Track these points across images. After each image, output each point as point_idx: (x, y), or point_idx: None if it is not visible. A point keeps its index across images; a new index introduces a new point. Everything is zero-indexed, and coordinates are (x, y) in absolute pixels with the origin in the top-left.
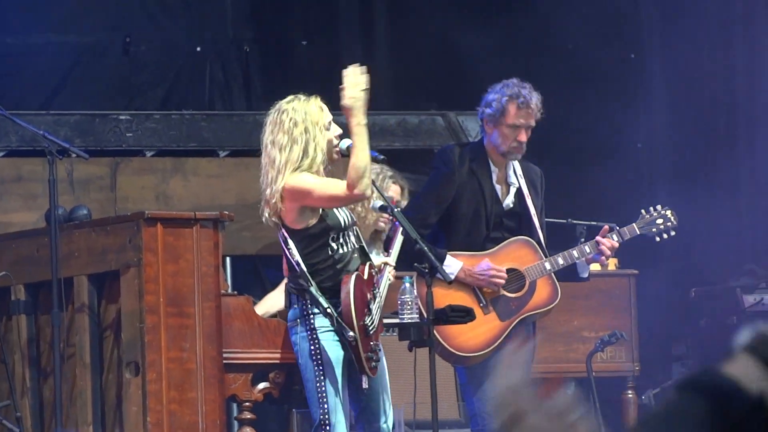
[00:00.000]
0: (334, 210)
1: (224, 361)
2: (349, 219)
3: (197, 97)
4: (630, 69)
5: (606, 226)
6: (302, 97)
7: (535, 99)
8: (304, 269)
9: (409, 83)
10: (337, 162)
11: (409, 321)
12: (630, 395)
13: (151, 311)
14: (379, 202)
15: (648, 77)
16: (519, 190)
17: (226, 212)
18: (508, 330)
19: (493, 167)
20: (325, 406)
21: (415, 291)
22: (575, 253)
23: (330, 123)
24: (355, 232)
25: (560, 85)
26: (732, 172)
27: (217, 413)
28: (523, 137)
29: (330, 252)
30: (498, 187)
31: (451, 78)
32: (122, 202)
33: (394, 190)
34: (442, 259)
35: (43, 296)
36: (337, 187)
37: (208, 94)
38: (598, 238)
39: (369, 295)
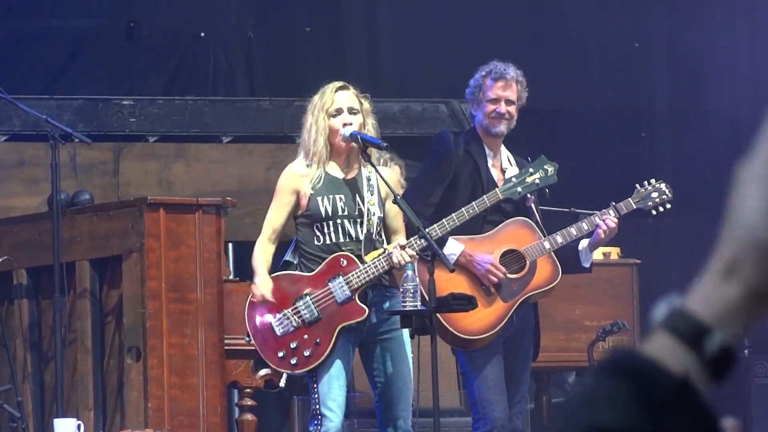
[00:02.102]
0: (317, 199)
1: (225, 348)
2: (346, 210)
3: (200, 83)
4: (634, 59)
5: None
6: (334, 83)
7: (511, 71)
8: (289, 258)
9: (412, 70)
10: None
11: (411, 309)
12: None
13: (153, 297)
14: None
15: (652, 66)
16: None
17: (229, 198)
18: (512, 311)
19: (488, 151)
20: (315, 395)
21: (417, 278)
22: (573, 230)
23: (337, 111)
24: (356, 222)
25: (564, 73)
26: (735, 161)
27: (218, 399)
28: (502, 108)
29: (316, 241)
30: (494, 171)
31: (455, 65)
32: (125, 187)
33: (396, 171)
34: (443, 242)
35: (45, 281)
36: (264, 224)
37: (212, 80)
38: (596, 215)
39: (310, 289)
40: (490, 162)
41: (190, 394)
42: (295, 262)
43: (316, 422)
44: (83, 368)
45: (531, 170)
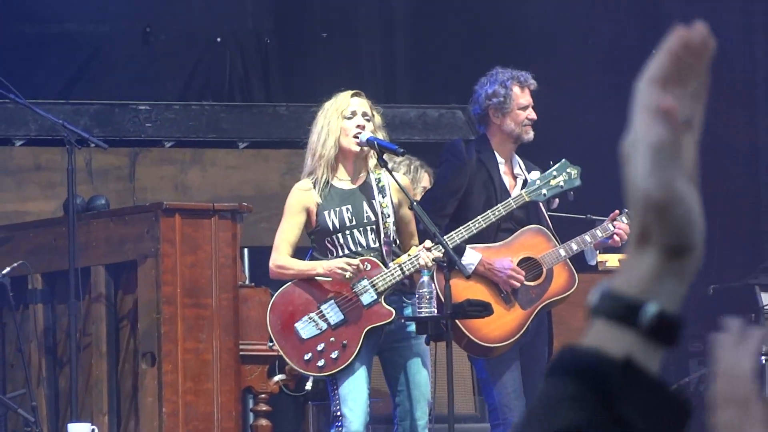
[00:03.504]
0: (324, 214)
1: (240, 353)
2: (354, 219)
3: (216, 88)
4: (647, 50)
5: (616, 211)
6: (354, 90)
7: (532, 78)
8: None
9: (429, 76)
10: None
11: (427, 315)
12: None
13: (168, 302)
14: None
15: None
16: (525, 182)
17: (245, 204)
18: (531, 319)
19: (499, 159)
20: (336, 398)
21: (433, 284)
22: (587, 237)
23: (353, 113)
24: (366, 231)
25: (578, 76)
26: (751, 167)
27: (232, 404)
28: (534, 115)
29: (330, 255)
30: (506, 178)
31: (472, 71)
32: (140, 192)
33: (425, 179)
34: (461, 251)
35: (60, 286)
36: (277, 240)
37: (228, 85)
38: (607, 221)
39: (334, 293)
40: (502, 169)
41: (205, 400)
42: None
43: (338, 424)
44: (98, 373)
45: (555, 173)
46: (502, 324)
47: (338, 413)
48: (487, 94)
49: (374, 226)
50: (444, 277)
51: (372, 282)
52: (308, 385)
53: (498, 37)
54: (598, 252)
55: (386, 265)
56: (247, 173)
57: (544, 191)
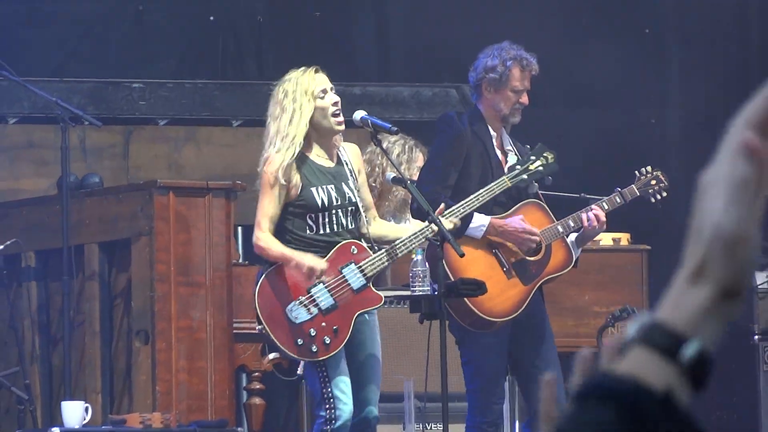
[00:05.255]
0: (311, 190)
1: (234, 331)
2: (339, 200)
3: (209, 67)
4: (644, 44)
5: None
6: (303, 69)
7: (535, 63)
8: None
9: (422, 55)
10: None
11: (420, 293)
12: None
13: (162, 280)
14: (392, 174)
15: (662, 52)
16: (516, 156)
17: (239, 182)
18: (531, 294)
19: (492, 132)
20: (327, 380)
21: (426, 263)
22: (583, 215)
23: (324, 91)
24: (347, 213)
25: (573, 56)
26: None
27: (226, 383)
28: (526, 100)
29: (309, 231)
30: (498, 152)
31: (466, 50)
32: (134, 170)
33: (420, 158)
34: (469, 217)
35: (54, 263)
36: (259, 215)
37: (221, 63)
38: (603, 200)
39: (324, 277)
40: (494, 143)
41: (199, 378)
42: None
43: (327, 406)
44: (91, 351)
45: (533, 158)
46: (505, 299)
47: (329, 395)
48: (485, 67)
49: (353, 208)
50: (437, 255)
51: (360, 267)
52: (300, 370)
53: (493, 16)
54: (580, 249)
55: (370, 244)
56: (241, 151)
57: (525, 176)
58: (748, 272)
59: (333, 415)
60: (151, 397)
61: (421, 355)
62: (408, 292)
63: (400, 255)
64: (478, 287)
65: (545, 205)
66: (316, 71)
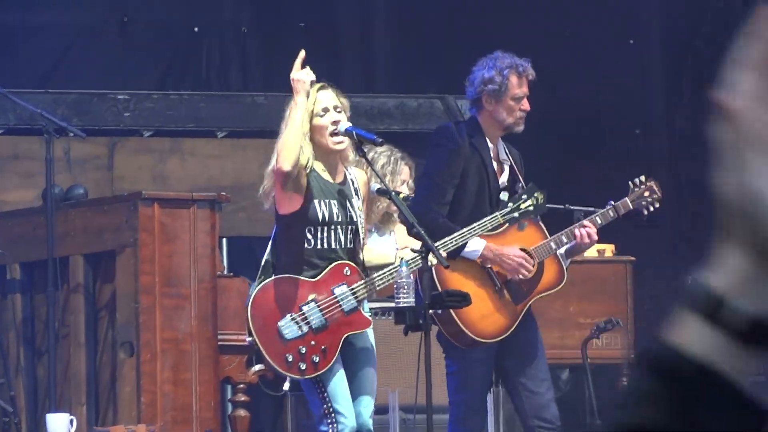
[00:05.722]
0: (315, 202)
1: (219, 343)
2: (341, 216)
3: (194, 78)
4: (628, 55)
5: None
6: (318, 84)
7: (531, 69)
8: (268, 257)
9: (407, 66)
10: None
11: (405, 305)
12: (625, 382)
13: (147, 291)
14: (377, 185)
15: (646, 63)
16: (511, 168)
17: (223, 193)
18: (523, 313)
19: (489, 144)
20: (326, 396)
21: (411, 276)
22: (576, 231)
23: (325, 110)
24: (350, 231)
25: (558, 70)
26: None
27: (211, 394)
28: (527, 106)
29: (307, 244)
30: (495, 164)
31: (450, 61)
32: (119, 182)
33: (405, 172)
34: (464, 241)
35: (39, 275)
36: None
37: (205, 75)
38: (597, 212)
39: (316, 295)
40: (491, 155)
41: (184, 390)
42: (273, 261)
43: (328, 421)
44: (76, 363)
45: (524, 197)
46: (495, 320)
47: (329, 410)
48: (483, 79)
49: (354, 227)
50: (424, 268)
51: (352, 289)
52: (286, 386)
53: (477, 27)
54: (569, 261)
55: (362, 267)
56: (225, 163)
57: (516, 214)
58: None
59: (336, 430)
60: (136, 408)
61: (406, 367)
62: (393, 304)
63: (391, 280)
64: (463, 299)
65: (540, 222)
66: (322, 88)
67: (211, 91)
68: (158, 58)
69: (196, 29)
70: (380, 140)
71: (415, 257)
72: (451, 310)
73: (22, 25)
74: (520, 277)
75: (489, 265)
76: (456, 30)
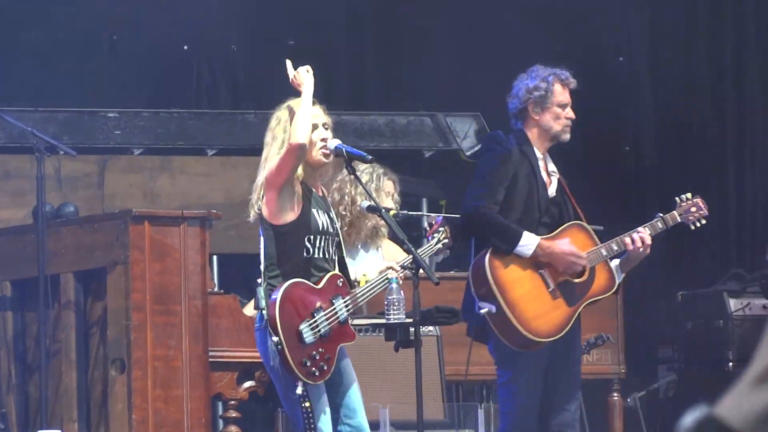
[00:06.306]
0: (313, 211)
1: (210, 360)
2: (330, 227)
3: (184, 96)
4: (618, 72)
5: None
6: (298, 100)
7: (570, 76)
8: (261, 268)
9: (397, 84)
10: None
11: (396, 321)
12: (616, 398)
13: (138, 309)
14: (367, 203)
15: (636, 81)
16: (559, 181)
17: (214, 211)
18: (575, 316)
19: (538, 154)
20: (309, 411)
21: (402, 292)
22: (627, 239)
23: (313, 126)
24: (335, 242)
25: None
26: (720, 176)
27: (202, 411)
28: (572, 114)
29: (305, 253)
30: (544, 174)
31: (440, 79)
32: (110, 199)
33: (389, 187)
34: (518, 235)
35: (30, 293)
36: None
37: (195, 93)
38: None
39: (321, 303)
40: (540, 165)
41: (175, 406)
42: (274, 270)
43: None
44: (67, 380)
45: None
46: (550, 319)
47: (312, 426)
48: (528, 88)
49: (338, 239)
50: (413, 284)
51: (345, 301)
52: (299, 390)
53: (466, 45)
54: (623, 274)
55: (348, 279)
56: (215, 180)
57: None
58: None
59: None
60: (127, 425)
61: (397, 383)
62: (383, 320)
63: (377, 292)
64: (453, 315)
65: (589, 228)
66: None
67: (201, 109)
68: (148, 76)
69: (185, 47)
70: (370, 158)
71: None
72: (506, 309)
73: (11, 43)
74: (571, 272)
75: (542, 264)
76: (446, 48)
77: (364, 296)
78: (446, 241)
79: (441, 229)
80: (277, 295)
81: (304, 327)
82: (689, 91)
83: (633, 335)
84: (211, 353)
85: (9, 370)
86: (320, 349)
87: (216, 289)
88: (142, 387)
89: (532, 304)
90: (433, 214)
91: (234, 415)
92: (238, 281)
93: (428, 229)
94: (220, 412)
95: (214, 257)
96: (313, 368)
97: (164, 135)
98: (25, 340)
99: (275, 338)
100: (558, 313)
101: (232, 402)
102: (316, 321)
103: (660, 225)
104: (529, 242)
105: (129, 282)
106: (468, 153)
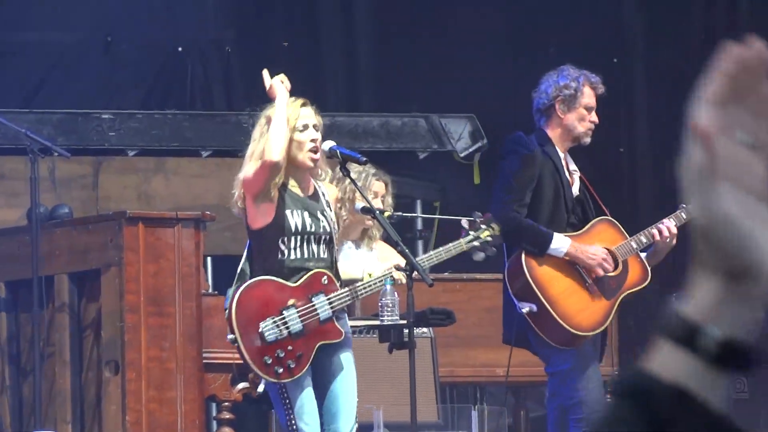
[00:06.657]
0: (286, 213)
1: (204, 361)
2: (313, 227)
3: (178, 97)
4: (613, 73)
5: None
6: (293, 99)
7: (599, 81)
8: (244, 268)
9: (391, 85)
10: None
11: (389, 323)
12: (609, 399)
13: (132, 310)
14: (361, 204)
15: (631, 82)
16: (581, 180)
17: (208, 212)
18: (614, 309)
19: (560, 153)
20: (290, 410)
21: (395, 293)
22: (654, 230)
23: (305, 126)
24: (320, 241)
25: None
26: None
27: (196, 413)
28: (596, 118)
29: (280, 255)
30: (567, 173)
31: (434, 80)
32: (104, 201)
33: (378, 187)
34: (549, 238)
35: (24, 294)
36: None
37: (189, 94)
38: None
39: (295, 301)
40: (563, 163)
41: (169, 408)
42: (248, 272)
43: None
44: (61, 382)
45: (483, 227)
46: (591, 313)
47: (293, 426)
48: (557, 86)
49: (327, 238)
50: (407, 285)
51: (329, 299)
52: (260, 388)
53: (461, 47)
54: (650, 267)
55: (339, 278)
56: (210, 182)
57: (476, 243)
58: (744, 251)
59: None
60: (121, 427)
61: (391, 385)
62: (377, 322)
63: (361, 296)
64: (447, 316)
65: (617, 223)
66: (303, 104)
67: (196, 111)
68: (142, 78)
69: (180, 48)
70: (364, 159)
71: (385, 274)
72: (548, 307)
73: (5, 44)
74: (602, 273)
75: (576, 263)
76: (440, 49)
77: (365, 291)
78: (490, 238)
79: (487, 225)
80: (236, 293)
81: (266, 324)
82: (684, 93)
83: (627, 336)
84: (205, 355)
85: (3, 372)
86: (289, 347)
87: (210, 291)
88: (136, 388)
89: (572, 299)
90: (477, 212)
91: (228, 416)
92: (232, 283)
93: (466, 226)
94: (214, 413)
95: (209, 259)
96: (276, 366)
97: (158, 136)
98: (19, 341)
99: (230, 336)
100: (598, 306)
101: (226, 403)
102: (284, 318)
103: (684, 216)
104: (560, 245)
105: (123, 283)
106: (462, 154)
